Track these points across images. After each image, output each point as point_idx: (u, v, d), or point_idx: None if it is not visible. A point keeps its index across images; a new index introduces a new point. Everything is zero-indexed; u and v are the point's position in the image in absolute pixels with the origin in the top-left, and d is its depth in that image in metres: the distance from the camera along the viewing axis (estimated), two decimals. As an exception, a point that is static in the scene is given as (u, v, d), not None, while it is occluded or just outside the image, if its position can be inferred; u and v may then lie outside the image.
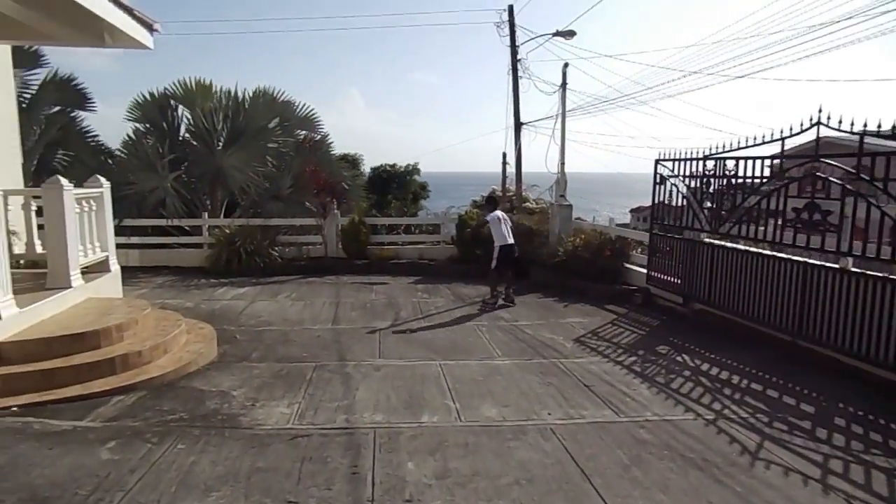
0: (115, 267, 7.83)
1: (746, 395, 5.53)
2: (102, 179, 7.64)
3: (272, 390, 5.40)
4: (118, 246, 12.91)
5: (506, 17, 18.69)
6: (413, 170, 29.51)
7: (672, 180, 9.39)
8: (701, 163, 8.63)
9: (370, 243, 13.35)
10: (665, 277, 9.56)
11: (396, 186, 28.66)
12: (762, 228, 7.53)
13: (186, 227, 13.88)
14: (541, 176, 18.82)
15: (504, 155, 18.98)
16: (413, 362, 6.40)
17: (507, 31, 18.67)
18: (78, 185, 7.83)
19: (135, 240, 13.11)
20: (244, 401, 5.11)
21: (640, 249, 11.66)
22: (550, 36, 17.07)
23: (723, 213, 8.23)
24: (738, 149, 7.95)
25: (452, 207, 15.42)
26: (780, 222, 7.19)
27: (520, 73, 18.59)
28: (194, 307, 9.18)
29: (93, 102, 14.97)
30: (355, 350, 6.87)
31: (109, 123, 15.53)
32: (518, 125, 18.72)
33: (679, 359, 6.69)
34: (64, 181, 6.53)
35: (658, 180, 9.71)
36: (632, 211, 68.32)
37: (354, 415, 4.85)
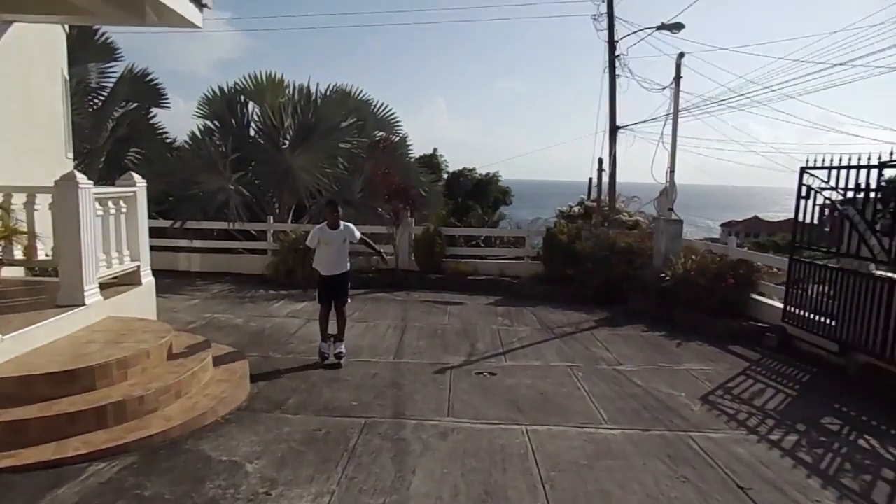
0: (147, 279, 6.72)
1: None
2: (137, 177, 6.57)
3: (299, 465, 3.98)
4: (180, 249, 12.31)
5: (604, 8, 16.85)
6: (494, 178, 28.33)
7: (826, 193, 7.41)
8: (874, 171, 6.62)
9: (446, 256, 11.96)
10: (811, 316, 7.53)
11: (475, 193, 27.37)
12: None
13: (253, 232, 13.00)
14: (635, 186, 16.84)
15: (600, 161, 17.09)
16: (491, 425, 4.85)
17: (604, 24, 16.79)
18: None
19: (197, 243, 12.37)
20: (258, 483, 3.71)
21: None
22: (654, 29, 15.10)
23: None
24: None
25: (539, 218, 13.78)
26: None
27: (618, 72, 16.72)
28: (243, 324, 8.10)
29: (166, 98, 14.40)
30: (417, 400, 5.39)
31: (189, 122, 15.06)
32: (614, 128, 16.76)
33: (863, 443, 4.77)
34: (81, 177, 5.45)
35: (804, 193, 7.74)
36: (722, 225, 63.56)
37: (404, 524, 3.35)
